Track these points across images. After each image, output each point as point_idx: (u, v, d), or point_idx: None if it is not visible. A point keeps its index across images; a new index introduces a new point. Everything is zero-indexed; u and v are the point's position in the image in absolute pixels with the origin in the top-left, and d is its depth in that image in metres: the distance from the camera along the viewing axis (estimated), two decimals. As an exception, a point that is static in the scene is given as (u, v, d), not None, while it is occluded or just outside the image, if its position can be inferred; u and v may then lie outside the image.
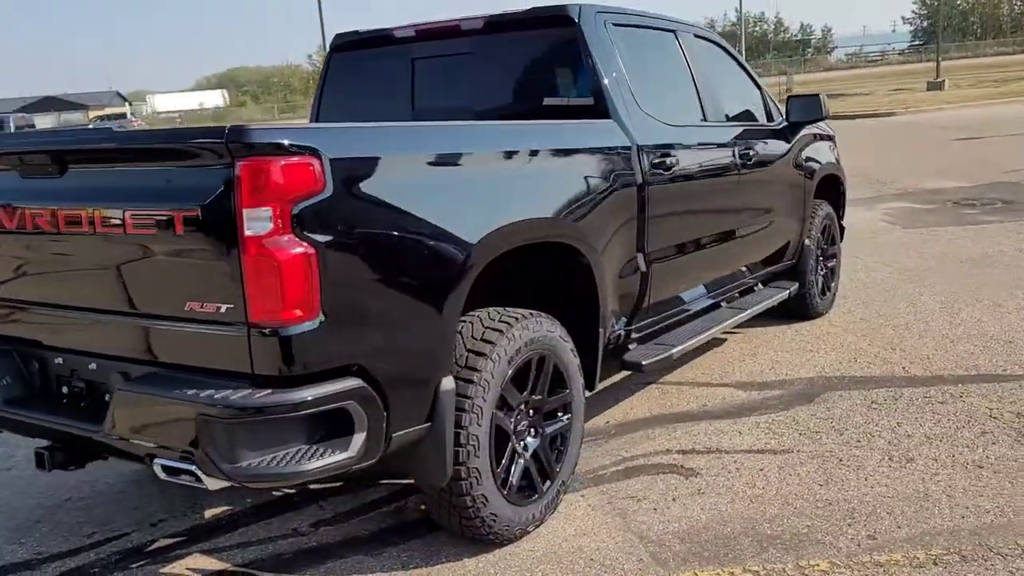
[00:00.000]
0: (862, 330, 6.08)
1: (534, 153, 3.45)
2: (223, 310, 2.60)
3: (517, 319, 3.33)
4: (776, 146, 5.60)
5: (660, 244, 4.31)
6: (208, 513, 3.87)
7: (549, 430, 3.56)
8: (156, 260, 2.70)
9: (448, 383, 2.99)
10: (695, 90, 4.85)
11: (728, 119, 5.19)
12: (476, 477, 3.14)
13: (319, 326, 2.58)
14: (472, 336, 3.20)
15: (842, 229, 6.97)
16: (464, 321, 3.26)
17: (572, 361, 3.62)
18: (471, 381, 3.11)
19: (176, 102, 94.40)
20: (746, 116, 5.56)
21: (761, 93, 5.71)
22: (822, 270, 6.55)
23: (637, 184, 4.05)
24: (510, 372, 3.26)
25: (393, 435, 2.86)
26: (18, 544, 3.66)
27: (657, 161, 4.20)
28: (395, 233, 2.77)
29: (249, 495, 3.99)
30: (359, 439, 2.70)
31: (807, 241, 6.12)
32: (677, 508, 3.64)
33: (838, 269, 6.81)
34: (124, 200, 2.69)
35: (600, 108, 4.05)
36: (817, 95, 5.72)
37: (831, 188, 6.71)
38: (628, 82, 4.20)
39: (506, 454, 3.33)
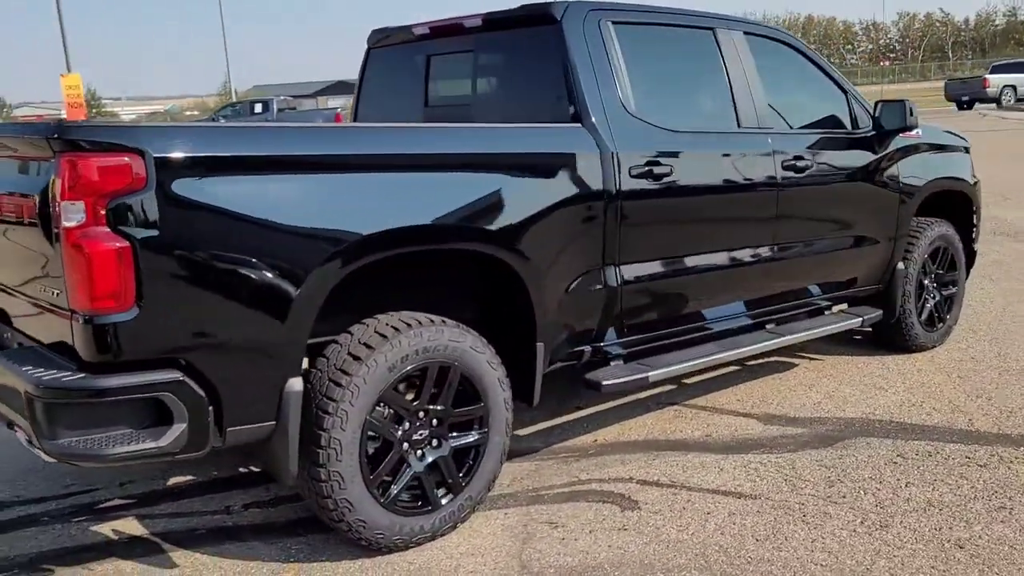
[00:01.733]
0: (962, 371, 5.33)
1: (441, 157, 3.34)
2: (57, 295, 2.78)
3: (410, 325, 3.26)
4: (852, 157, 5.02)
5: (646, 258, 4.03)
6: (172, 480, 4.14)
7: (455, 443, 3.46)
8: (21, 245, 2.93)
9: (296, 384, 3.00)
10: (729, 94, 4.45)
11: (783, 126, 4.71)
12: (338, 481, 3.12)
13: (133, 318, 2.68)
14: (359, 340, 3.19)
15: (972, 254, 6.13)
16: (364, 324, 3.27)
17: (489, 373, 3.48)
18: (340, 384, 3.10)
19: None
20: (820, 123, 5.03)
21: (846, 98, 5.13)
22: (933, 298, 5.80)
23: (608, 193, 3.81)
24: (393, 379, 3.20)
25: (228, 429, 2.91)
26: (7, 485, 4.11)
27: (643, 170, 3.92)
28: (230, 234, 2.81)
29: (215, 467, 4.21)
30: (177, 430, 2.77)
31: (900, 264, 5.44)
32: (585, 541, 3.41)
33: (958, 299, 5.99)
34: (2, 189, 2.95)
35: (574, 111, 3.84)
36: (903, 102, 5.04)
37: (955, 206, 5.92)
38: (618, 85, 3.95)
39: (387, 462, 3.27)
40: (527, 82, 4.12)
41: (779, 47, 4.90)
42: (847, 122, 5.11)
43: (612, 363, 4.14)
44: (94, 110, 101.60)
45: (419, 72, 4.64)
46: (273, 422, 2.99)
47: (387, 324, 3.25)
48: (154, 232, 2.68)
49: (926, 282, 5.75)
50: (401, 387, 3.34)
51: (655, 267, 4.10)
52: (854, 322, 5.19)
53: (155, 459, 2.82)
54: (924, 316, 5.73)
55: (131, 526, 3.69)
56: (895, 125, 5.06)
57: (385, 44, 4.85)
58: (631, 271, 3.98)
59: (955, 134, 6.09)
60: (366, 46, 4.96)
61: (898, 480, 3.87)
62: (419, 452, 3.38)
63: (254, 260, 2.85)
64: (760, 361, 5.62)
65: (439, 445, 3.43)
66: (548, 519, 3.61)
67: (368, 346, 3.17)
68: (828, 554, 3.26)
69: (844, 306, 5.48)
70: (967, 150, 6.04)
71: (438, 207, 3.27)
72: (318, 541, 3.47)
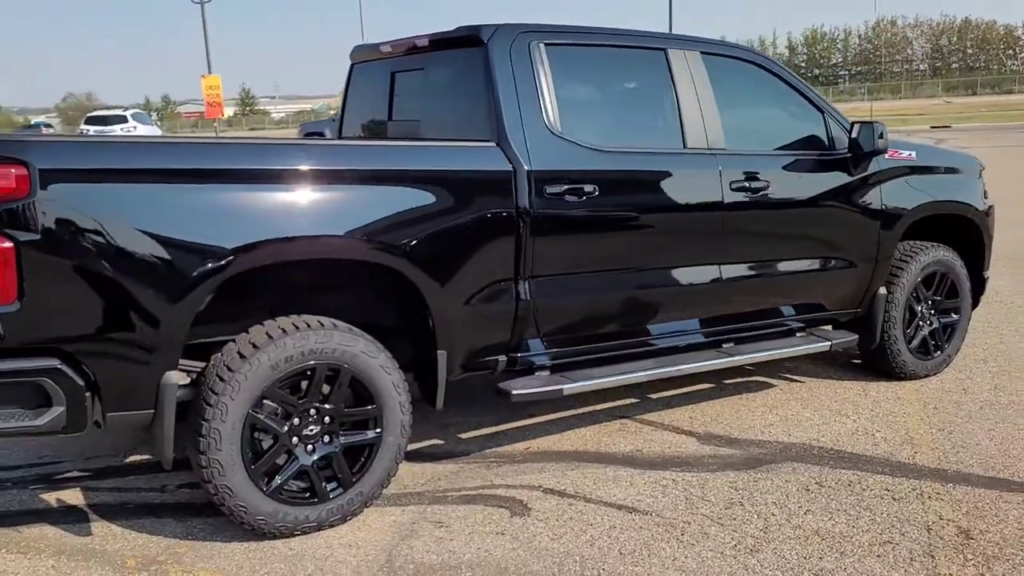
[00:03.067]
0: (943, 402, 5.16)
1: (329, 173, 3.55)
2: None
3: (298, 328, 3.51)
4: (822, 178, 4.95)
5: (567, 273, 4.14)
6: (131, 458, 4.54)
7: (346, 440, 3.69)
8: None
9: (171, 377, 3.29)
10: (676, 114, 4.49)
11: (742, 147, 4.69)
12: (217, 468, 3.40)
13: (16, 310, 3.04)
14: (249, 340, 3.47)
15: (982, 282, 5.88)
16: (261, 325, 3.54)
17: (382, 376, 3.69)
18: (223, 379, 3.38)
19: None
20: (790, 144, 4.97)
21: (823, 119, 5.04)
22: (929, 325, 5.61)
23: (522, 209, 3.95)
24: (276, 377, 3.46)
25: (108, 414, 3.24)
26: (-4, 453, 4.62)
27: (563, 188, 4.04)
28: (107, 239, 3.12)
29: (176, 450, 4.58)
30: (55, 412, 3.12)
31: (882, 289, 5.30)
32: (459, 542, 3.58)
33: (961, 327, 5.76)
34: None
35: (493, 130, 4.00)
36: (871, 124, 4.92)
37: (962, 232, 5.72)
38: (544, 105, 4.07)
39: (271, 453, 3.53)
40: (461, 101, 4.30)
41: (746, 67, 4.89)
42: (822, 143, 5.03)
43: (537, 373, 4.27)
44: (247, 107, 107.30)
45: (386, 88, 4.89)
46: (151, 411, 3.31)
47: (278, 326, 3.51)
48: (36, 235, 3.03)
49: (920, 308, 5.57)
50: (303, 385, 3.60)
51: (577, 283, 4.20)
52: (821, 346, 5.10)
53: (36, 436, 3.18)
54: (915, 343, 5.55)
55: (74, 496, 4.09)
56: (867, 148, 4.95)
57: (363, 60, 5.13)
58: (549, 286, 4.10)
59: (965, 156, 5.87)
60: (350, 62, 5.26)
61: (800, 507, 3.84)
62: (309, 447, 3.63)
63: (129, 265, 3.16)
64: (736, 380, 5.60)
65: (330, 441, 3.67)
66: (439, 519, 3.79)
67: (255, 346, 3.44)
68: (682, 573, 3.31)
69: (829, 328, 5.39)
70: (978, 174, 5.81)
71: (321, 220, 3.50)
72: (221, 523, 3.75)
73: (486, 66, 4.04)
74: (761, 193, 4.66)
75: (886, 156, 5.20)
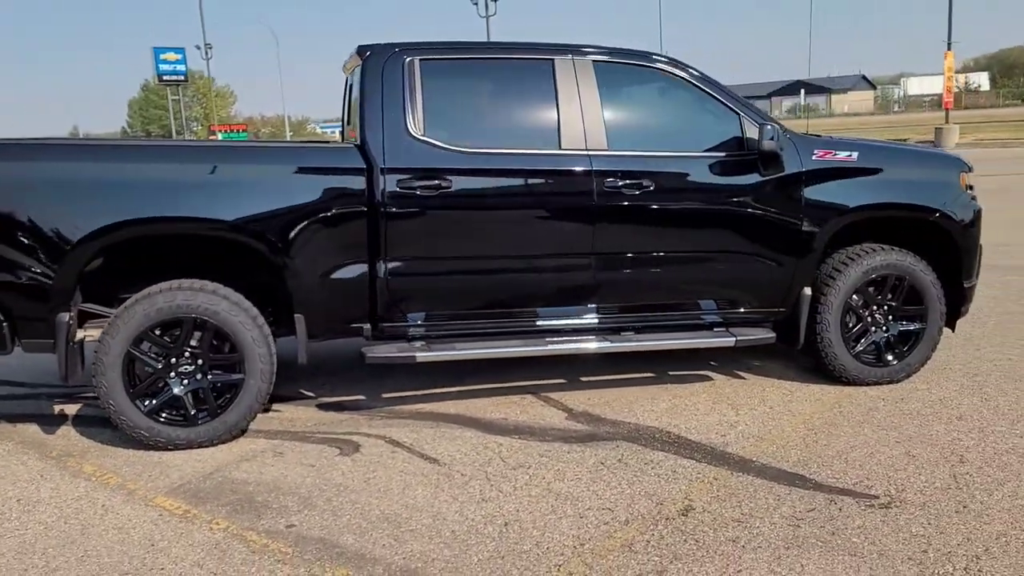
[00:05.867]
0: (858, 408, 5.11)
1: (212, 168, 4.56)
2: None
3: (171, 288, 4.55)
4: (725, 178, 5.10)
5: (422, 256, 4.80)
6: (135, 388, 5.85)
7: (213, 379, 4.67)
8: None
9: (63, 317, 4.45)
10: (555, 118, 4.93)
11: (631, 147, 5.02)
12: (103, 389, 4.52)
13: None
14: (135, 296, 4.57)
15: (962, 290, 5.58)
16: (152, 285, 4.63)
17: (243, 331, 4.62)
18: (112, 324, 4.51)
19: (930, 85, 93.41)
20: (694, 145, 5.16)
21: (740, 121, 5.17)
22: (884, 330, 5.48)
23: (373, 200, 4.69)
24: (148, 324, 4.51)
25: (21, 340, 4.49)
26: (51, 377, 6.11)
27: (416, 183, 4.71)
28: (11, 213, 4.35)
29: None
30: (-21, 335, 4.43)
31: (807, 289, 5.30)
32: (275, 468, 4.41)
33: (928, 336, 5.52)
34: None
35: (358, 132, 4.78)
36: (765, 126, 4.97)
37: (922, 235, 5.52)
38: (408, 112, 4.75)
39: (146, 382, 4.59)
40: (355, 110, 5.10)
41: (649, 73, 5.17)
42: (734, 145, 5.15)
43: (413, 342, 4.97)
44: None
45: (348, 96, 5.80)
46: (52, 340, 4.50)
47: (157, 287, 4.57)
48: None
49: (867, 314, 5.45)
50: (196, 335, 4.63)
51: (434, 266, 4.84)
52: (725, 341, 5.24)
53: None
54: (860, 348, 5.45)
55: (72, 408, 5.45)
56: (770, 148, 5.02)
57: (348, 72, 6.07)
58: (406, 267, 4.79)
59: (938, 156, 5.60)
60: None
61: (576, 476, 4.22)
62: (185, 380, 4.65)
63: (31, 231, 4.36)
64: (681, 372, 5.83)
65: (201, 378, 4.67)
66: (282, 451, 4.65)
67: (136, 300, 4.53)
68: (405, 507, 3.91)
69: (763, 328, 5.47)
70: (955, 176, 5.52)
71: (180, 204, 4.50)
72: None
73: (361, 79, 4.82)
74: (643, 192, 4.95)
75: (814, 157, 5.23)
